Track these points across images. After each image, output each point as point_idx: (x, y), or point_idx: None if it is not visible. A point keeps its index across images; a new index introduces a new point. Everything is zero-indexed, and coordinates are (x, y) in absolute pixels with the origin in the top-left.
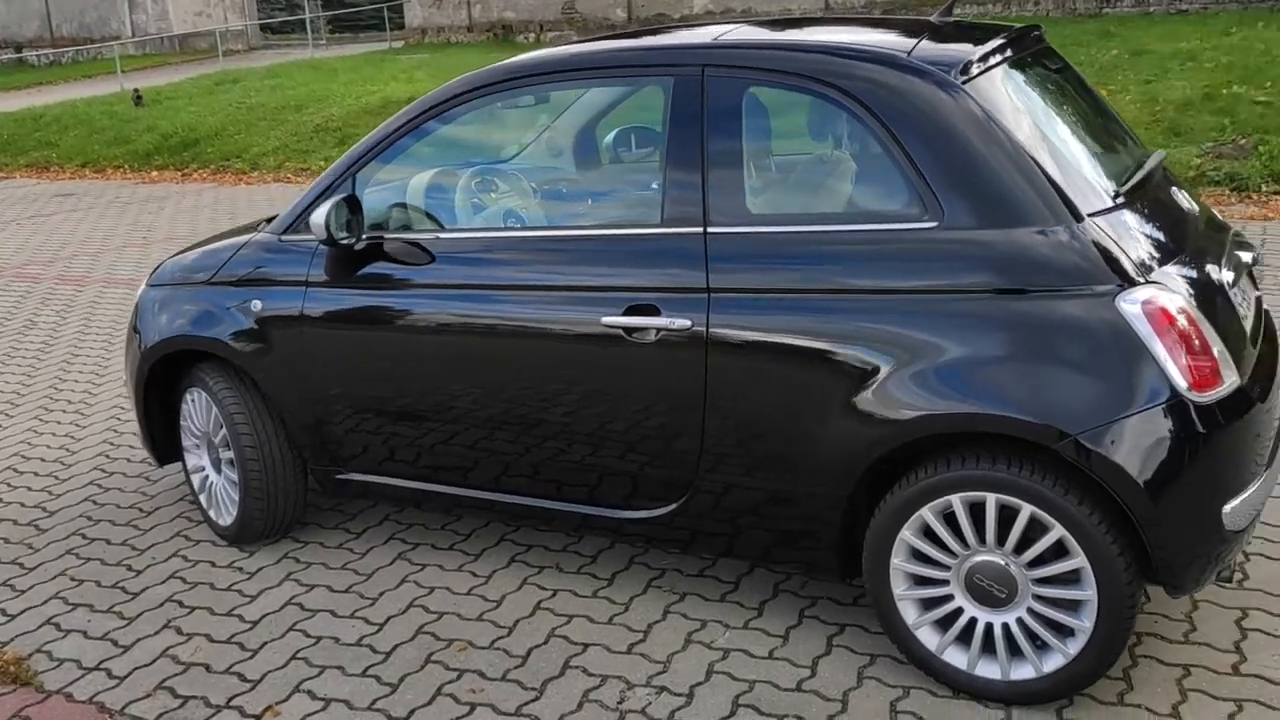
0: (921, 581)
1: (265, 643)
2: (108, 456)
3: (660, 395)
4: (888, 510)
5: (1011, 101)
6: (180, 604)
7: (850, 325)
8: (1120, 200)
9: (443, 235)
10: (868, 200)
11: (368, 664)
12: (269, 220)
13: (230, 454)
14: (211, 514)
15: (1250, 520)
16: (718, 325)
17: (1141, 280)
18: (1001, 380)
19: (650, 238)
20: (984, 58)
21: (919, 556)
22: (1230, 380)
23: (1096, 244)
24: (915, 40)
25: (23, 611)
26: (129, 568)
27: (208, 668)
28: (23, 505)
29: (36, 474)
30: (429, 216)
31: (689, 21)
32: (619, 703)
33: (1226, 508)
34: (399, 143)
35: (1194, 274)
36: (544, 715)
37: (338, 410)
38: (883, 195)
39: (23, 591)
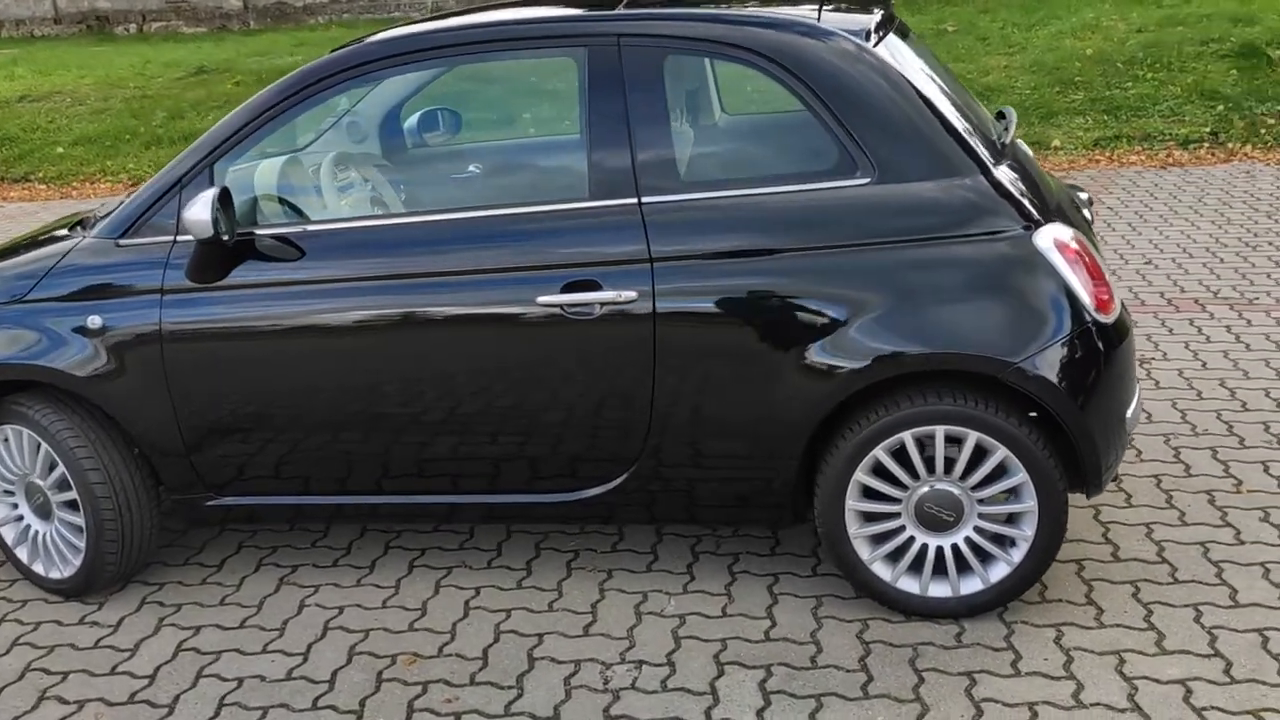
0: (875, 518)
1: (177, 695)
2: None
3: (606, 370)
4: (841, 455)
5: (908, 66)
6: (46, 671)
7: (798, 282)
8: (1004, 153)
9: (341, 225)
10: (800, 161)
11: (314, 696)
12: (80, 224)
13: (68, 495)
14: (38, 568)
15: (1135, 426)
16: (664, 294)
17: (1043, 220)
18: (947, 320)
19: (581, 212)
20: (878, 27)
21: (871, 494)
22: (1119, 303)
23: (1005, 191)
24: (815, 9)
25: None
26: None
27: None
28: None
29: None
30: (295, 209)
31: (310, 10)
32: (606, 684)
33: (1127, 414)
34: (263, 129)
35: (1069, 213)
36: (537, 709)
37: (218, 430)
38: (813, 156)
39: None
